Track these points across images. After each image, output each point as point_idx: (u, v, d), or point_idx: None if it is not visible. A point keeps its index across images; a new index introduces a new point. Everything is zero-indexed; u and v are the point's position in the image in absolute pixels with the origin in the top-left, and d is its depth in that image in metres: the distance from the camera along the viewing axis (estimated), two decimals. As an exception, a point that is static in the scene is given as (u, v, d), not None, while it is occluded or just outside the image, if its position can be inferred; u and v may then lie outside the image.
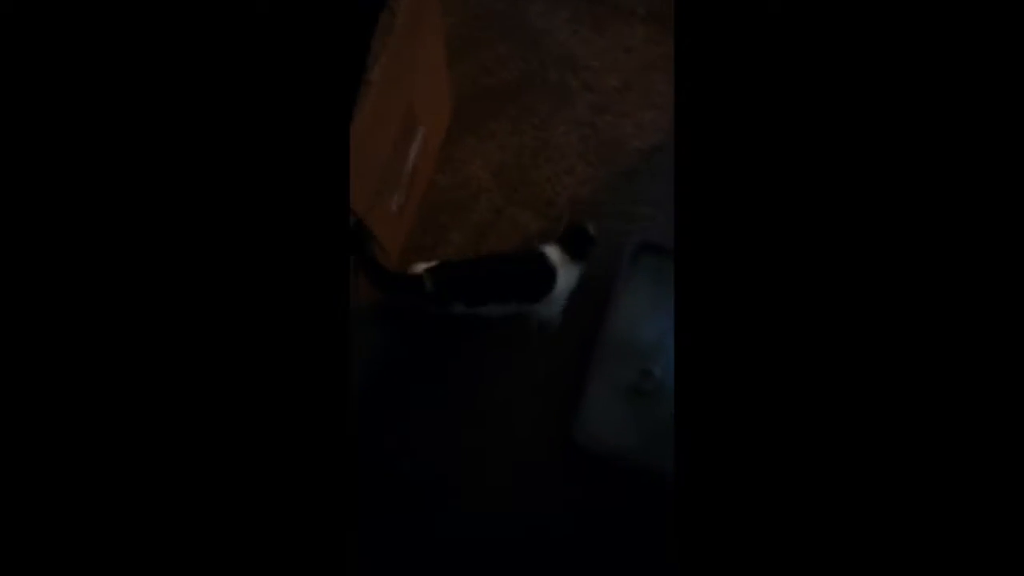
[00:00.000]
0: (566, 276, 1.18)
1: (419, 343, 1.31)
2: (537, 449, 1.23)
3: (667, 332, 1.27)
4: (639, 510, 1.17)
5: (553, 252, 1.17)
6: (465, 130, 1.46)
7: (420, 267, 1.13)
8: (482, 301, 1.16)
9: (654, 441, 1.19)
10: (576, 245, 1.18)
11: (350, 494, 0.61)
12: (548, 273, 1.16)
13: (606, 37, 1.56)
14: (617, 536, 1.18)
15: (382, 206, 1.11)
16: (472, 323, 1.28)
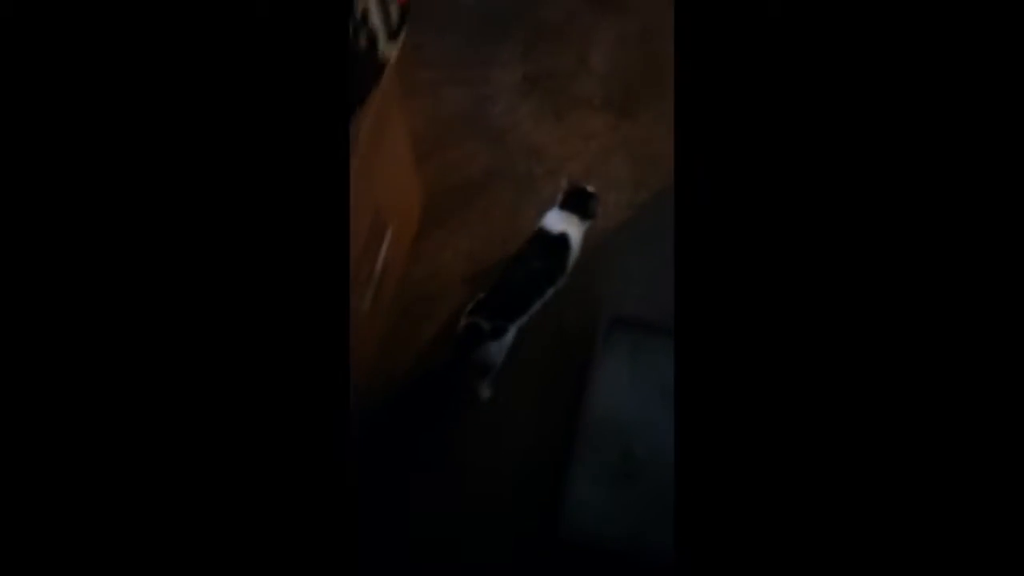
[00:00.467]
0: (576, 237, 1.31)
1: (393, 452, 1.30)
2: (523, 545, 1.19)
3: (647, 409, 1.27)
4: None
5: (553, 219, 1.31)
6: (436, 225, 1.52)
7: (464, 321, 1.21)
8: (526, 308, 1.24)
9: (643, 526, 1.15)
10: (579, 204, 1.32)
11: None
12: (561, 244, 1.29)
13: (567, 127, 1.66)
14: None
15: (353, 306, 1.15)
16: (448, 416, 1.28)
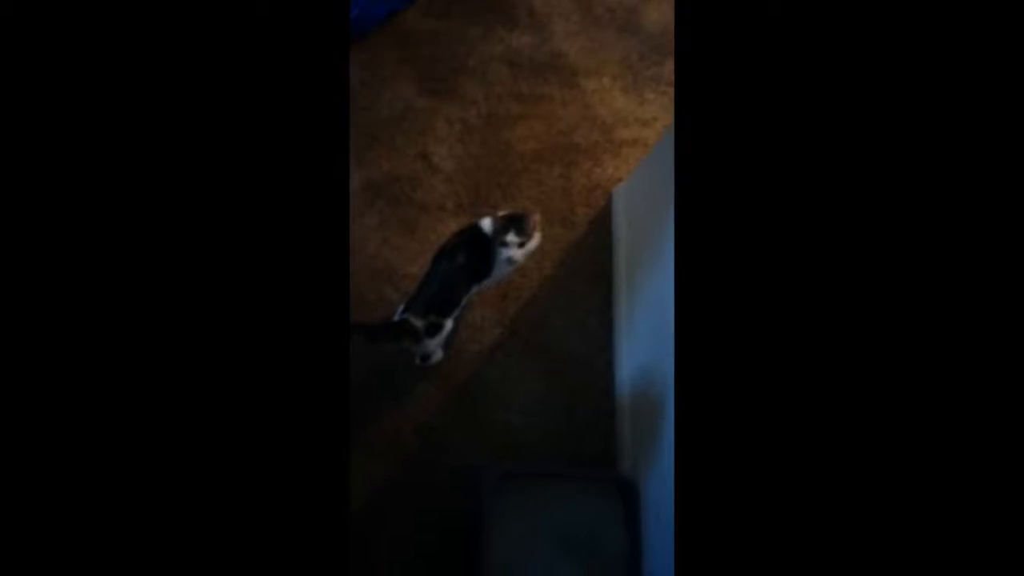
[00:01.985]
0: (503, 251, 1.23)
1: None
2: None
3: (548, 564, 1.16)
4: None
5: (487, 224, 1.25)
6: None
7: (397, 316, 1.20)
8: (456, 302, 1.23)
9: None
10: (504, 227, 1.22)
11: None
12: (488, 244, 1.24)
13: (420, 239, 1.52)
14: None
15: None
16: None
